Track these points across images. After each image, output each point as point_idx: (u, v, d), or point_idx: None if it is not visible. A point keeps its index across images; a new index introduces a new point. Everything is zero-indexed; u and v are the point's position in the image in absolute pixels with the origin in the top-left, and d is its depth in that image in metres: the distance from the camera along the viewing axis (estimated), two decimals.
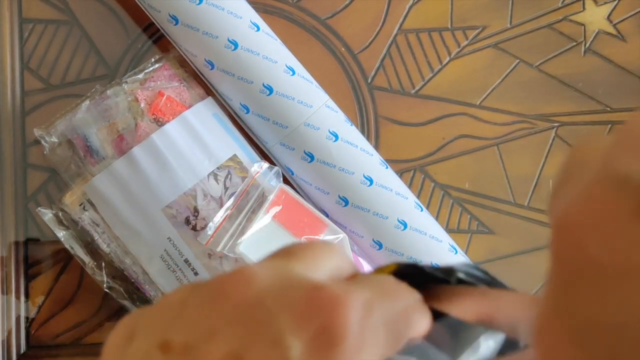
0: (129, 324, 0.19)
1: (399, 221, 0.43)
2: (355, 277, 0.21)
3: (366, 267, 0.44)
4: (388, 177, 0.44)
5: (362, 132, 0.48)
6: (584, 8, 0.50)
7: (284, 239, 0.41)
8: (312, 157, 0.43)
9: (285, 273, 0.19)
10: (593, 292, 0.14)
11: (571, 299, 0.14)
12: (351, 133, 0.44)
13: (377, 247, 0.44)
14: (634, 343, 0.13)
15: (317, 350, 0.17)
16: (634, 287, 0.13)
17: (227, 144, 0.43)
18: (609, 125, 0.50)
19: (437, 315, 0.22)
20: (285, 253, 0.20)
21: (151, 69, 0.44)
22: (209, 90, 0.45)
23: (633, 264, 0.13)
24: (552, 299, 0.15)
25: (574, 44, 0.49)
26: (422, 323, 0.21)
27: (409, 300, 0.20)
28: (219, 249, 0.40)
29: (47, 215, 0.43)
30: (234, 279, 0.18)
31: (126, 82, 0.43)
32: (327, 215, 0.44)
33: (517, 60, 0.49)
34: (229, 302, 0.18)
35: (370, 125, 0.48)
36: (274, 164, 0.45)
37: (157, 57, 0.45)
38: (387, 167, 0.45)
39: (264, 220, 0.41)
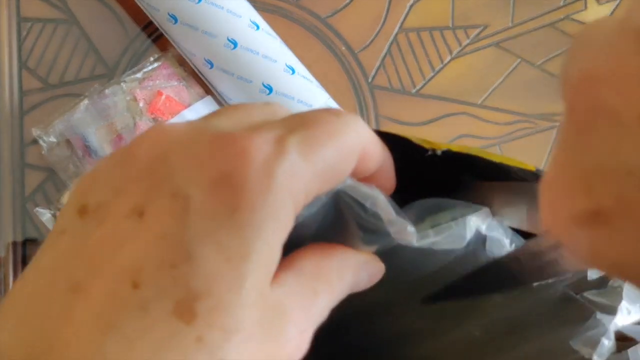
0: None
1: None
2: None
3: None
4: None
5: None
6: (585, 7, 0.49)
7: None
8: None
9: (200, 128, 0.18)
10: (606, 139, 0.14)
11: (584, 146, 0.14)
12: None
13: None
14: None
15: (218, 196, 0.17)
16: None
17: None
18: None
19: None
20: (214, 112, 0.20)
21: (150, 68, 0.44)
22: (208, 90, 0.45)
23: None
24: (563, 149, 0.15)
25: None
26: (370, 154, 0.20)
27: (334, 123, 0.19)
28: None
29: (45, 215, 0.43)
30: (145, 138, 0.18)
31: (125, 82, 0.43)
32: None
33: (519, 60, 0.49)
34: (137, 161, 0.18)
35: (370, 124, 0.48)
36: None
37: (156, 56, 0.45)
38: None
39: None
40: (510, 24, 0.49)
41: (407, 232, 0.20)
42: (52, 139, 0.43)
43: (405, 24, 0.48)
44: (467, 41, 0.49)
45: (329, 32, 0.48)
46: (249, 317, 0.17)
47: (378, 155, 0.21)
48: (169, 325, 0.16)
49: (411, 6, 0.49)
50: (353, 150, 0.19)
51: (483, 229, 0.22)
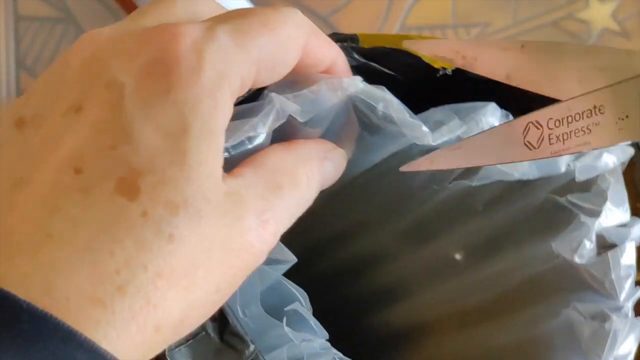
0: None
1: None
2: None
3: None
4: None
5: None
6: (587, 5, 0.49)
7: None
8: None
9: (128, 25, 0.19)
10: None
11: None
12: None
13: None
14: None
15: (152, 79, 0.17)
16: None
17: None
18: None
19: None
20: (138, 10, 0.19)
21: None
22: None
23: None
24: None
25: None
26: (316, 48, 0.20)
27: (270, 15, 0.19)
28: None
29: None
30: (74, 46, 0.18)
31: None
32: None
33: None
34: (69, 68, 0.18)
35: None
36: None
37: None
38: None
39: None
40: (511, 23, 0.49)
41: (421, 132, 0.20)
42: None
43: (406, 22, 0.48)
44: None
45: (330, 31, 0.48)
46: (198, 194, 0.16)
47: (326, 51, 0.21)
48: (112, 202, 0.16)
49: (412, 4, 0.48)
50: (292, 42, 0.19)
51: (495, 124, 0.22)
